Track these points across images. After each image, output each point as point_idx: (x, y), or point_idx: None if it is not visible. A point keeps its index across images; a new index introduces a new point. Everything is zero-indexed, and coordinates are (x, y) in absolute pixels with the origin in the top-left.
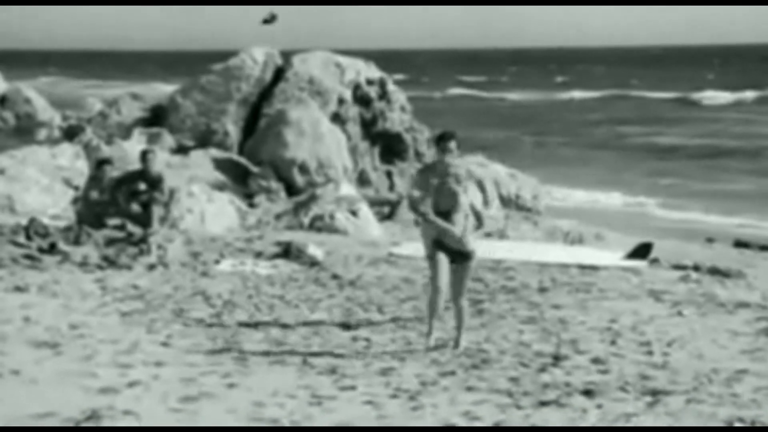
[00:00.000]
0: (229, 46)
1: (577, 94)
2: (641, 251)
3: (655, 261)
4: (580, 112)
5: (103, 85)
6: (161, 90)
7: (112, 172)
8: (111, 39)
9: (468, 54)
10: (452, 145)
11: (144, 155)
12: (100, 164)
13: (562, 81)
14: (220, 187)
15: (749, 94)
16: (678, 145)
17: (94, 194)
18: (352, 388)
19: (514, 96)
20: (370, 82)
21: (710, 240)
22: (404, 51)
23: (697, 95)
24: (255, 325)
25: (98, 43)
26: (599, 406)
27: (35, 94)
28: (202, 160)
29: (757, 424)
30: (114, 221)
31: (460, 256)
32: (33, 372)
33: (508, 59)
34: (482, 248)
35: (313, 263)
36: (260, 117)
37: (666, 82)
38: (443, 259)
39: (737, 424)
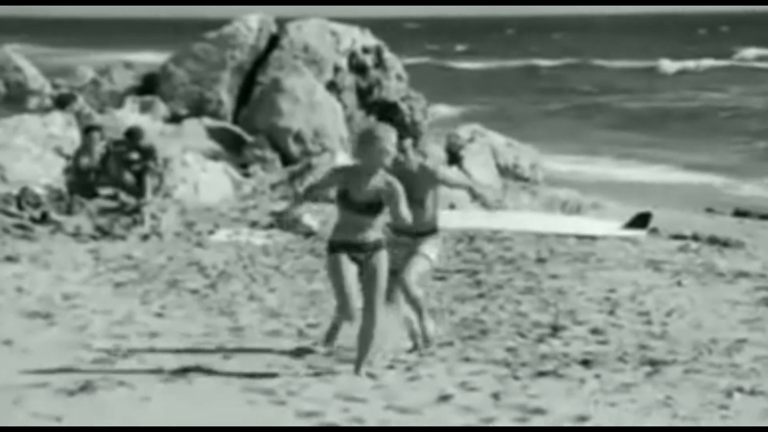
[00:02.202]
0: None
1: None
2: (640, 221)
3: (654, 231)
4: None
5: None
6: (150, 59)
7: (101, 140)
8: (85, 7)
9: (421, 21)
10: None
11: (129, 134)
12: (88, 130)
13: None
14: (214, 156)
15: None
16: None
17: (85, 161)
18: (349, 359)
19: (472, 65)
20: (366, 50)
21: (710, 210)
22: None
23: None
24: (250, 296)
25: (72, 10)
26: (597, 376)
27: (26, 62)
28: (195, 129)
29: (757, 394)
30: (106, 191)
31: None
32: (26, 342)
33: (464, 27)
34: (480, 219)
35: (309, 233)
36: (255, 85)
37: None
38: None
39: (737, 394)
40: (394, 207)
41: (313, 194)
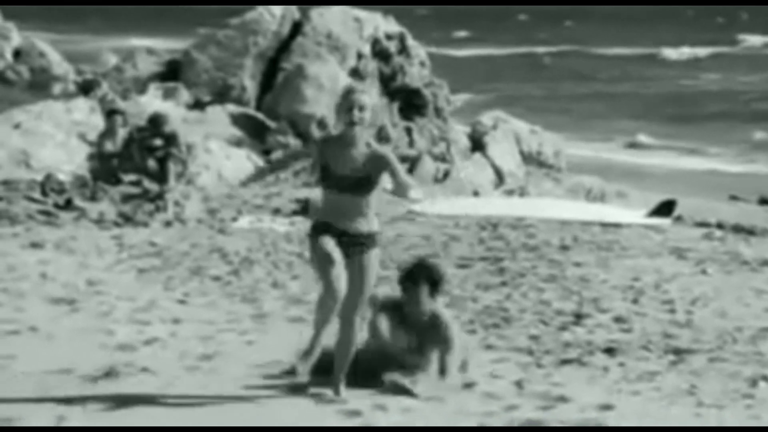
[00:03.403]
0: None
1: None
2: (664, 209)
3: (678, 218)
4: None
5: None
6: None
7: (124, 125)
8: None
9: (433, 6)
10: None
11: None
12: (110, 114)
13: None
14: (237, 143)
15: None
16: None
17: (108, 146)
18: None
19: (468, 51)
20: (389, 37)
21: (734, 197)
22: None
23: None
24: (273, 283)
25: None
26: (621, 365)
27: (50, 47)
28: (219, 116)
29: None
30: (130, 177)
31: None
32: (50, 328)
33: (474, 13)
34: (503, 206)
35: None
36: (278, 72)
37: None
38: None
39: (762, 383)
40: (393, 177)
41: (283, 165)
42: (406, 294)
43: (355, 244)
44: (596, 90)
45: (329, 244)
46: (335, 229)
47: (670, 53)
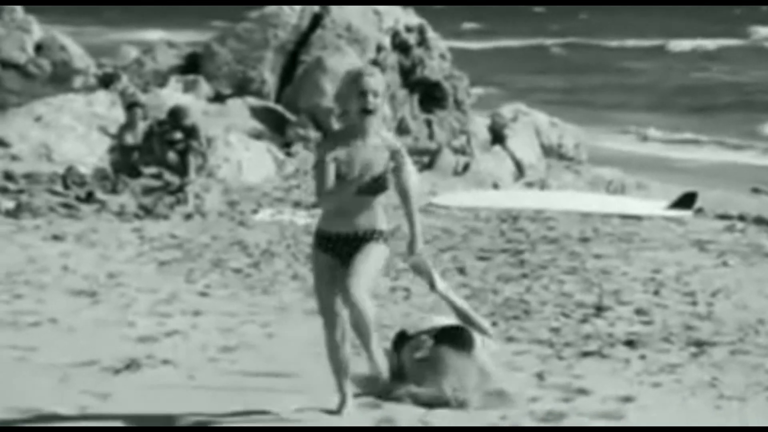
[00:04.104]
0: None
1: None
2: (686, 201)
3: (699, 210)
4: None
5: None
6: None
7: (145, 118)
8: None
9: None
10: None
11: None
12: (130, 107)
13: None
14: (257, 135)
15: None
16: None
17: (129, 138)
18: (389, 338)
19: (474, 44)
20: (409, 29)
21: (756, 190)
22: None
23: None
24: (293, 275)
25: None
26: (642, 357)
27: (71, 41)
28: (239, 109)
29: None
30: (150, 170)
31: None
32: (71, 321)
33: (489, 4)
34: (523, 198)
35: None
36: (298, 65)
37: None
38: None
39: None
40: (398, 175)
41: (334, 198)
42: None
43: (357, 243)
44: (609, 82)
45: (329, 271)
46: (342, 235)
47: (681, 45)
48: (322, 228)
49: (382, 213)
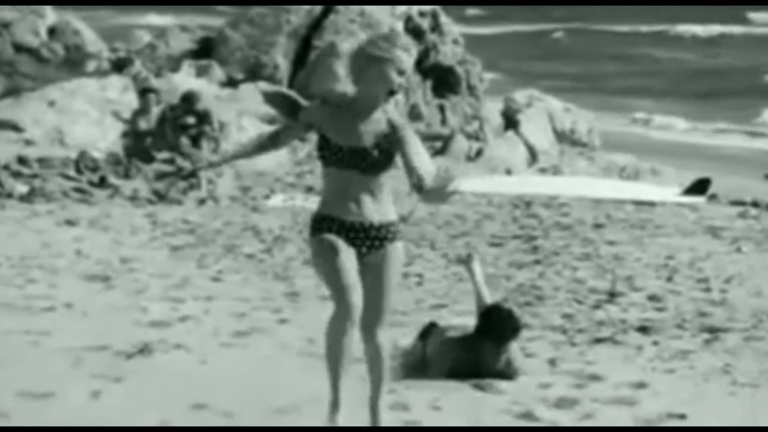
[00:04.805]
0: None
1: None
2: (699, 187)
3: (712, 197)
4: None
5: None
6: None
7: (158, 103)
8: None
9: None
10: None
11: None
12: (144, 93)
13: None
14: (269, 120)
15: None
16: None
17: (142, 124)
18: (403, 324)
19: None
20: (422, 14)
21: None
22: None
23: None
24: (305, 261)
25: None
26: (655, 343)
27: (84, 25)
28: (251, 94)
29: None
30: (163, 155)
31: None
32: (85, 305)
33: None
34: (536, 184)
35: None
36: (310, 50)
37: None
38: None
39: None
40: (407, 156)
41: (277, 142)
42: (487, 349)
43: (371, 239)
44: (618, 68)
45: (339, 244)
46: (342, 223)
47: (690, 29)
48: (322, 213)
49: (388, 201)
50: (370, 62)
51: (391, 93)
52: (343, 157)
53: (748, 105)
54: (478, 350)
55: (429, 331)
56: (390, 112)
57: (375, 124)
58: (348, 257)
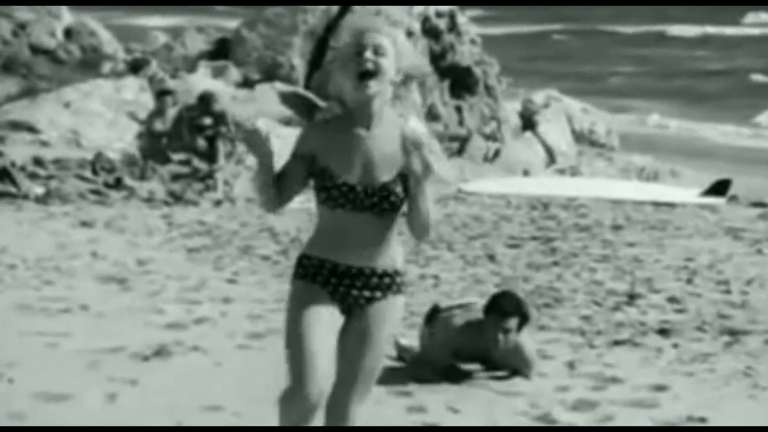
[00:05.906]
0: None
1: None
2: (719, 188)
3: (733, 198)
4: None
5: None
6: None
7: (174, 105)
8: None
9: None
10: None
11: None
12: (160, 94)
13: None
14: (286, 121)
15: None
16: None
17: (158, 125)
18: (417, 327)
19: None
20: (439, 14)
21: None
22: None
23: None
24: None
25: None
26: (675, 346)
27: (100, 26)
28: (268, 94)
29: None
30: (179, 156)
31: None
32: (101, 307)
33: None
34: (555, 185)
35: None
36: (327, 50)
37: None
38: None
39: None
40: (421, 194)
41: (283, 198)
42: (490, 326)
43: (370, 288)
44: (624, 69)
45: (316, 309)
46: (335, 268)
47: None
48: (311, 254)
49: (396, 243)
50: (340, 62)
51: (362, 76)
52: (355, 199)
53: (764, 106)
54: (482, 329)
55: (433, 316)
56: (398, 119)
57: (389, 143)
58: (328, 334)
